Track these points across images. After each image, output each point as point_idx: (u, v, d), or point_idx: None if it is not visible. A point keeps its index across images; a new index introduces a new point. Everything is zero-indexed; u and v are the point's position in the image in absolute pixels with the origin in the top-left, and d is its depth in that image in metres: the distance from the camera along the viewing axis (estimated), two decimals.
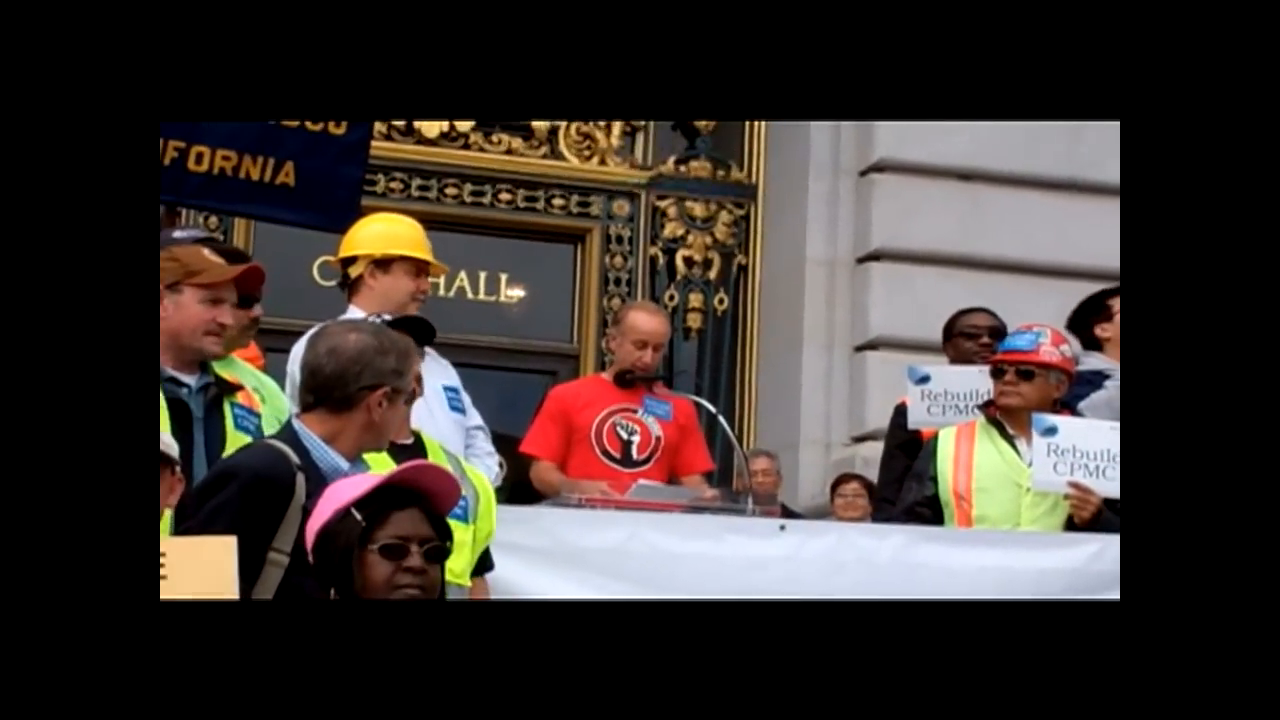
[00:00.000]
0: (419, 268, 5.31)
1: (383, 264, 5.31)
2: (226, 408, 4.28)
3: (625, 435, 5.80)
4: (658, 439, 5.81)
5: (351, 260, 5.38)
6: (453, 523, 4.17)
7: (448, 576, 4.19)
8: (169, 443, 3.55)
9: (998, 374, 5.39)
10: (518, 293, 9.46)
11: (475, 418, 5.41)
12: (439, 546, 3.17)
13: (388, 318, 4.53)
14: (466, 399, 5.40)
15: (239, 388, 4.37)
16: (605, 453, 5.77)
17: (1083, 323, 5.87)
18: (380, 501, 3.16)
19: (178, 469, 3.58)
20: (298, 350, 4.98)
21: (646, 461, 5.78)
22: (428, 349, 5.18)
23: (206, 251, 4.33)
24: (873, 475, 7.16)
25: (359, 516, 3.13)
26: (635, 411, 5.83)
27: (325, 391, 3.71)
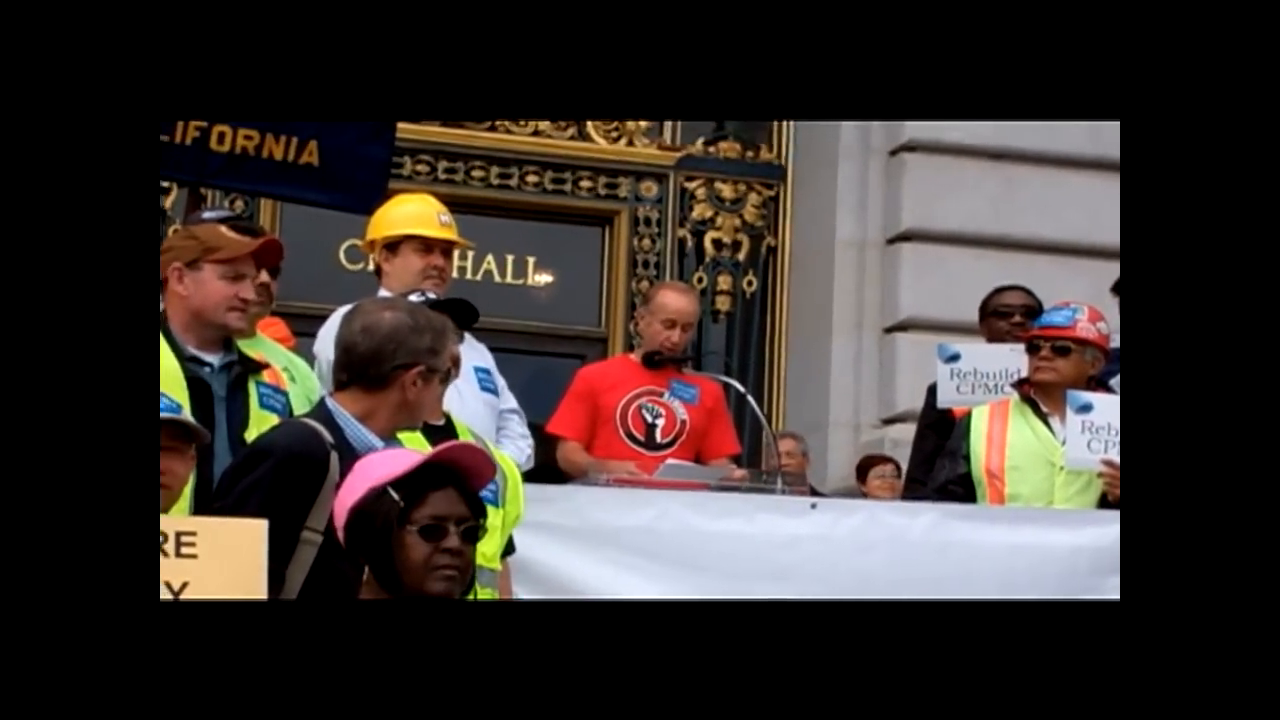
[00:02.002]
0: (427, 244, 5.26)
1: (391, 246, 5.29)
2: (251, 386, 4.25)
3: (650, 418, 5.79)
4: (683, 422, 5.80)
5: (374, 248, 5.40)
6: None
7: (479, 560, 4.20)
8: (187, 418, 3.54)
9: (1033, 349, 5.36)
10: (545, 277, 9.44)
11: (509, 401, 5.39)
12: (474, 526, 3.15)
13: (433, 296, 4.50)
14: (501, 382, 5.38)
15: (265, 366, 4.35)
16: (629, 435, 5.76)
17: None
18: (417, 480, 3.14)
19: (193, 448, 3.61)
20: (324, 332, 4.98)
21: (670, 445, 5.77)
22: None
23: (225, 229, 4.31)
24: (902, 457, 7.13)
25: (396, 496, 3.12)
26: (661, 395, 5.82)
27: (359, 369, 3.69)
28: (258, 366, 4.30)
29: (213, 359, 4.19)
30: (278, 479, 3.53)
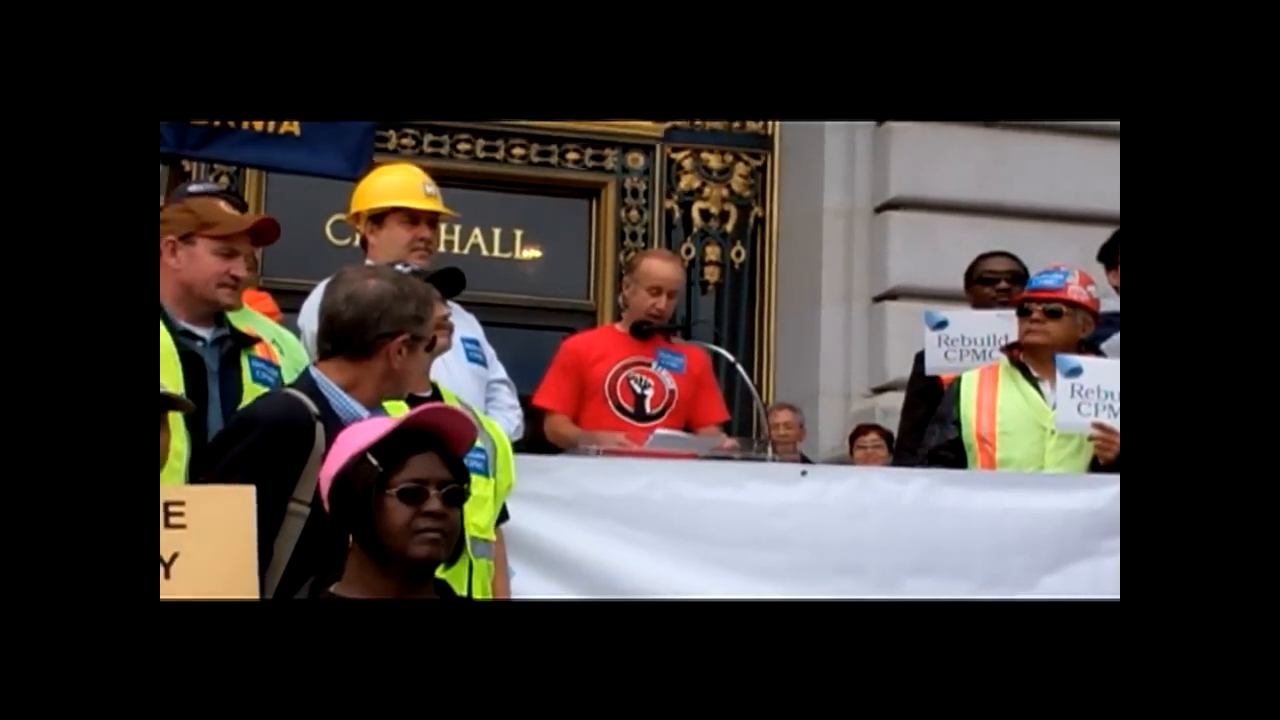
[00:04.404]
0: (413, 216, 5.22)
1: (377, 218, 5.25)
2: (244, 360, 4.22)
3: (639, 389, 5.76)
4: (671, 392, 5.77)
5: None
6: (474, 477, 4.15)
7: (474, 532, 4.18)
8: (165, 387, 3.53)
9: (1024, 312, 5.34)
10: (533, 250, 9.40)
11: (499, 371, 5.36)
12: (457, 489, 3.13)
13: (415, 267, 4.46)
14: (490, 352, 5.35)
15: (256, 340, 4.33)
16: (618, 406, 5.73)
17: (1109, 262, 5.82)
18: (397, 445, 3.12)
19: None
20: (308, 304, 4.95)
21: (660, 415, 5.73)
22: (450, 302, 5.13)
23: (223, 204, 4.30)
24: (893, 426, 7.12)
25: (375, 461, 3.10)
26: (649, 365, 5.79)
27: (344, 338, 3.66)
28: (249, 341, 4.28)
29: (205, 333, 4.17)
30: (263, 449, 3.50)
